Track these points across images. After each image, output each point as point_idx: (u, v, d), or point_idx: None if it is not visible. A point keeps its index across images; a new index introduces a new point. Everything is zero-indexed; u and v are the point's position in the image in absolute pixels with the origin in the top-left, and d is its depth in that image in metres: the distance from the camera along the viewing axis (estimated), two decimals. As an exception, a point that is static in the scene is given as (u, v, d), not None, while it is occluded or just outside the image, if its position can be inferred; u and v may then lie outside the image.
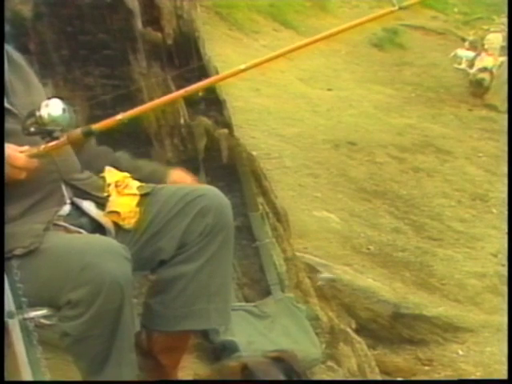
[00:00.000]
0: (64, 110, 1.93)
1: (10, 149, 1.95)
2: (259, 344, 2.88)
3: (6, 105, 2.07)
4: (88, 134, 1.95)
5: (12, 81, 2.14)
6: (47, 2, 2.79)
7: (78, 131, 1.94)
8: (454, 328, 3.90)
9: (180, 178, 2.34)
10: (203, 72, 3.18)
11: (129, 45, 2.97)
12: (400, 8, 2.15)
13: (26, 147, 1.98)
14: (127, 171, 2.25)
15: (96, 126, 1.95)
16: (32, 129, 1.94)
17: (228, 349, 2.85)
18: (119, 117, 1.95)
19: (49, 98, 1.97)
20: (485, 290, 4.27)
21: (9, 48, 2.20)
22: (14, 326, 1.93)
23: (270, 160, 4.74)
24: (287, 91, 6.16)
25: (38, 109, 1.94)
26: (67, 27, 2.85)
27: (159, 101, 2.10)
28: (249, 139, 4.43)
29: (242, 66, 2.08)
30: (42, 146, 1.97)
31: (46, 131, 1.93)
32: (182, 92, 2.06)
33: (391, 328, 3.85)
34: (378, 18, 2.19)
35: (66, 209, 2.12)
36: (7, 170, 1.94)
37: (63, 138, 1.94)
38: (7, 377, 1.98)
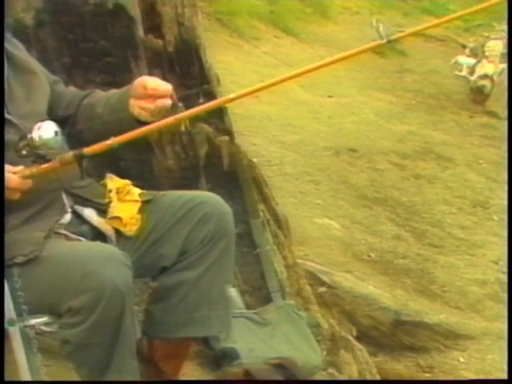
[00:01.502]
0: (56, 132, 1.93)
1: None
2: (260, 351, 2.88)
3: (6, 115, 2.07)
4: (80, 158, 1.95)
5: (12, 86, 2.13)
6: (49, 9, 2.80)
7: (70, 154, 1.95)
8: (455, 335, 3.89)
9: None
10: (204, 79, 3.19)
11: (130, 52, 2.97)
12: (388, 41, 2.17)
13: (20, 167, 1.97)
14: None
15: (87, 150, 1.96)
16: (24, 152, 1.93)
17: (229, 356, 2.85)
18: (110, 141, 1.95)
19: (42, 121, 1.96)
20: (486, 297, 4.26)
21: (13, 49, 2.18)
22: (14, 333, 1.94)
23: (270, 167, 4.74)
24: (288, 98, 6.16)
25: (30, 131, 1.93)
26: (69, 35, 2.86)
27: (149, 127, 2.08)
28: (250, 146, 4.44)
29: (231, 95, 2.09)
30: (35, 168, 1.96)
31: (37, 154, 1.93)
32: (171, 119, 2.06)
33: (392, 335, 3.84)
34: (367, 50, 2.21)
35: (67, 217, 2.13)
36: (11, 196, 1.95)
37: (55, 161, 1.93)
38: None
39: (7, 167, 1.96)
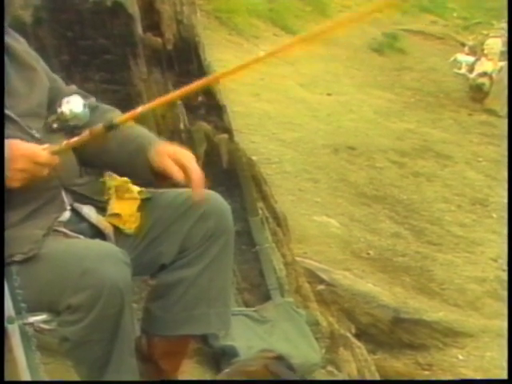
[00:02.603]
0: (84, 105, 1.97)
1: (31, 146, 1.96)
2: (259, 349, 2.87)
3: (6, 111, 2.06)
4: (110, 128, 1.96)
5: (13, 81, 2.11)
6: (47, 7, 2.80)
7: (100, 126, 1.96)
8: (453, 333, 3.89)
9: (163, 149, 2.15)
10: (203, 77, 3.18)
11: (129, 50, 2.97)
12: None
13: (46, 145, 1.98)
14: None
15: (118, 120, 1.97)
16: (55, 125, 1.98)
17: (228, 354, 2.85)
18: (139, 110, 1.96)
19: (68, 95, 2.00)
20: (485, 294, 4.26)
21: (14, 43, 2.16)
22: (13, 331, 1.94)
23: (269, 165, 4.75)
24: (287, 96, 6.16)
25: (59, 105, 1.97)
26: (67, 32, 2.86)
27: (181, 91, 2.06)
28: (249, 144, 4.44)
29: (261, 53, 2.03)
30: (64, 142, 1.98)
31: (68, 127, 1.97)
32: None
33: (391, 333, 3.84)
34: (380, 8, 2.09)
35: (66, 215, 2.12)
36: (30, 167, 1.94)
37: (85, 134, 1.96)
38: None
39: (35, 145, 1.97)
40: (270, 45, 7.23)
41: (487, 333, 3.93)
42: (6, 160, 1.92)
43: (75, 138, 1.97)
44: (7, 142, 1.95)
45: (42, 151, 1.96)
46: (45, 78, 2.21)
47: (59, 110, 1.98)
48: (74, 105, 1.97)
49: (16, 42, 2.18)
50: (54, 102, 2.18)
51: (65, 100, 1.98)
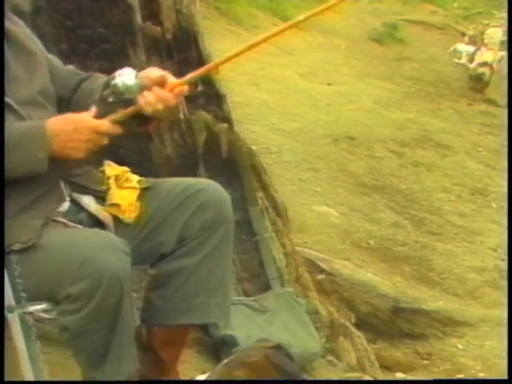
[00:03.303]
0: (136, 77, 2.01)
1: (93, 119, 2.01)
2: (259, 338, 2.88)
3: (6, 99, 2.05)
4: None
5: (14, 66, 2.09)
6: (46, -5, 2.79)
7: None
8: (453, 322, 3.89)
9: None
10: (202, 67, 3.17)
11: (128, 39, 2.96)
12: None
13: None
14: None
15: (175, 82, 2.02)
16: (110, 99, 2.02)
17: (227, 343, 2.85)
18: (188, 76, 2.06)
19: (121, 68, 2.05)
20: (484, 284, 4.27)
21: (12, 26, 2.14)
22: (13, 320, 1.94)
23: (269, 155, 4.74)
24: (287, 86, 6.15)
25: (112, 78, 2.01)
26: (66, 21, 2.85)
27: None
28: (248, 134, 4.43)
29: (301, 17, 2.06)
30: (120, 112, 2.02)
31: (122, 99, 2.01)
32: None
33: (391, 322, 3.84)
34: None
35: (65, 205, 2.12)
36: (94, 137, 1.99)
37: (139, 103, 2.00)
38: (7, 371, 1.98)
39: (94, 118, 2.01)
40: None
41: (486, 322, 3.93)
42: (69, 132, 1.97)
43: (130, 108, 2.02)
44: (66, 116, 2.01)
45: (103, 121, 2.00)
46: (44, 62, 2.20)
47: (112, 83, 2.01)
48: (126, 77, 2.01)
49: (15, 25, 2.17)
50: (52, 83, 2.17)
51: (117, 73, 2.02)
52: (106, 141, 2.02)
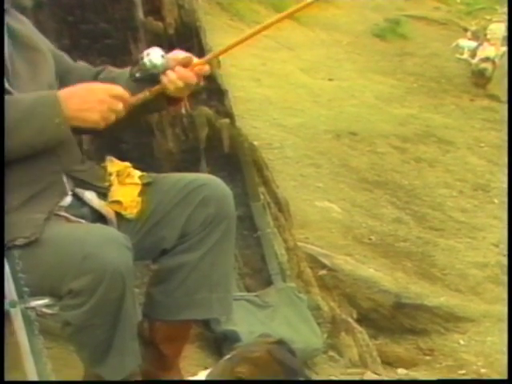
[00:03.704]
0: (163, 56, 2.11)
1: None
2: (261, 333, 2.88)
3: (8, 87, 2.05)
4: None
5: (16, 63, 2.10)
6: (48, -10, 2.79)
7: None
8: (455, 318, 3.89)
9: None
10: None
11: (130, 34, 2.96)
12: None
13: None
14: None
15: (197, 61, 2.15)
16: (137, 74, 2.12)
17: (229, 339, 2.86)
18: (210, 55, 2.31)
19: (150, 47, 2.13)
20: (486, 280, 4.27)
21: (17, 24, 2.15)
22: (16, 315, 1.94)
23: (271, 150, 4.74)
24: (288, 81, 6.14)
25: (141, 58, 2.11)
26: (68, 16, 2.85)
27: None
28: (250, 129, 4.43)
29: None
30: (146, 90, 2.11)
31: (149, 76, 2.11)
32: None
33: (392, 318, 3.85)
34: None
35: (68, 199, 2.12)
36: (107, 98, 2.03)
37: (162, 82, 2.11)
38: (9, 366, 1.98)
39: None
40: (271, 30, 7.20)
41: (488, 318, 3.93)
42: (81, 94, 2.02)
43: (157, 87, 2.12)
44: (83, 84, 2.07)
45: (116, 86, 2.07)
46: (50, 59, 2.20)
47: (141, 62, 2.11)
48: (153, 56, 2.10)
49: (19, 23, 2.18)
50: (64, 80, 2.18)
51: (145, 52, 2.12)
52: (120, 106, 2.04)
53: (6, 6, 2.14)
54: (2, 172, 1.97)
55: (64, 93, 2.03)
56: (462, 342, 3.80)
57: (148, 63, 2.10)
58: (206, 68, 2.15)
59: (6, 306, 1.94)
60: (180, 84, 2.10)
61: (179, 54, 2.14)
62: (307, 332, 3.05)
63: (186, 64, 2.12)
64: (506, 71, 6.57)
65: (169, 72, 2.10)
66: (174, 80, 2.10)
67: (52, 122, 1.99)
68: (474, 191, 5.23)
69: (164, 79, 2.11)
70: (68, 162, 2.14)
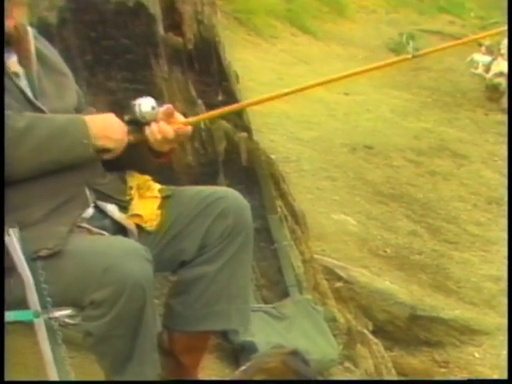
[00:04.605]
0: (153, 107, 2.18)
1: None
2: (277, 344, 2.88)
3: (40, 105, 2.12)
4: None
5: (44, 83, 2.17)
6: (71, 8, 2.82)
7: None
8: (470, 331, 3.88)
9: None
10: (223, 76, 3.20)
11: (150, 50, 2.99)
12: (414, 57, 2.32)
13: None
14: None
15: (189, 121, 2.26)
16: (126, 118, 2.19)
17: (247, 349, 2.86)
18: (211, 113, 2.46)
19: (142, 97, 2.21)
20: (500, 293, 4.24)
21: (45, 50, 2.23)
22: (39, 325, 1.96)
23: (288, 163, 4.74)
24: (305, 96, 6.13)
25: (133, 104, 2.18)
26: (91, 32, 2.88)
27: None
28: (268, 143, 4.43)
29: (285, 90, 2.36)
30: (131, 135, 2.18)
31: (136, 122, 2.19)
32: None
33: (408, 330, 3.83)
34: (393, 64, 2.36)
35: (90, 211, 2.15)
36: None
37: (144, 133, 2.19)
38: (33, 374, 2.00)
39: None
40: (288, 44, 7.23)
41: (503, 331, 3.91)
42: (105, 120, 2.15)
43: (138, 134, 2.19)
44: (103, 114, 2.19)
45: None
46: (74, 84, 2.29)
47: (132, 108, 2.18)
48: (143, 105, 2.18)
49: (47, 49, 2.26)
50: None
51: (138, 100, 2.19)
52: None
53: (35, 32, 2.22)
54: (2, 173, 1.99)
55: (89, 118, 2.14)
56: (477, 354, 3.78)
57: (137, 111, 2.17)
58: (187, 128, 2.23)
59: (30, 316, 1.96)
60: (158, 137, 2.17)
61: (167, 112, 2.20)
62: (323, 343, 3.05)
63: (170, 121, 2.19)
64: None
65: (152, 123, 2.18)
66: (153, 132, 2.17)
67: (80, 142, 2.08)
68: (488, 205, 5.21)
69: (146, 129, 2.18)
70: (90, 175, 2.16)
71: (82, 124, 2.11)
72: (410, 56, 2.36)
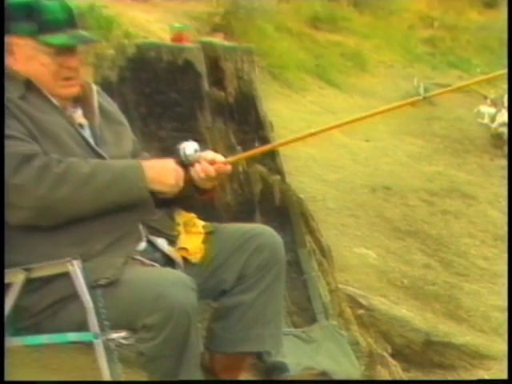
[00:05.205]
0: (196, 150, 2.21)
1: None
2: (306, 365, 2.87)
3: (101, 151, 2.15)
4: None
5: (105, 133, 2.20)
6: (130, 67, 2.87)
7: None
8: (480, 356, 3.82)
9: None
10: (260, 126, 3.22)
11: (196, 103, 3.02)
12: (424, 98, 2.36)
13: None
14: None
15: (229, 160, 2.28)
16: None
17: (279, 369, 2.85)
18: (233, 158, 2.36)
19: (187, 141, 2.24)
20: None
21: (107, 105, 2.27)
22: (98, 345, 1.97)
23: (315, 202, 4.74)
24: (330, 141, 6.16)
25: (179, 148, 2.22)
26: (145, 88, 2.92)
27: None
28: (297, 184, 4.44)
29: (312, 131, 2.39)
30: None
31: (182, 163, 2.21)
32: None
33: (423, 354, 3.79)
34: (407, 104, 2.38)
35: (143, 245, 2.17)
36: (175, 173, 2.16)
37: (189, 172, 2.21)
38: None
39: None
40: (316, 96, 7.26)
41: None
42: (162, 165, 2.16)
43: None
44: (160, 159, 2.19)
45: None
46: (131, 134, 2.31)
47: (178, 151, 2.21)
48: (187, 149, 2.21)
49: (108, 103, 2.30)
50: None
51: (184, 144, 2.22)
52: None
53: (98, 89, 2.27)
54: (2, 185, 2.01)
55: (146, 163, 2.15)
56: (486, 377, 3.72)
57: (182, 154, 2.20)
58: (227, 167, 2.24)
59: (90, 337, 1.97)
60: (202, 175, 2.19)
61: (209, 155, 2.23)
62: (347, 364, 3.03)
63: (211, 162, 2.21)
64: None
65: (196, 164, 2.20)
66: (197, 171, 2.19)
67: (137, 185, 2.09)
68: (494, 241, 5.15)
69: (191, 170, 2.20)
70: (144, 213, 2.19)
71: (139, 168, 2.11)
72: (421, 97, 2.36)
